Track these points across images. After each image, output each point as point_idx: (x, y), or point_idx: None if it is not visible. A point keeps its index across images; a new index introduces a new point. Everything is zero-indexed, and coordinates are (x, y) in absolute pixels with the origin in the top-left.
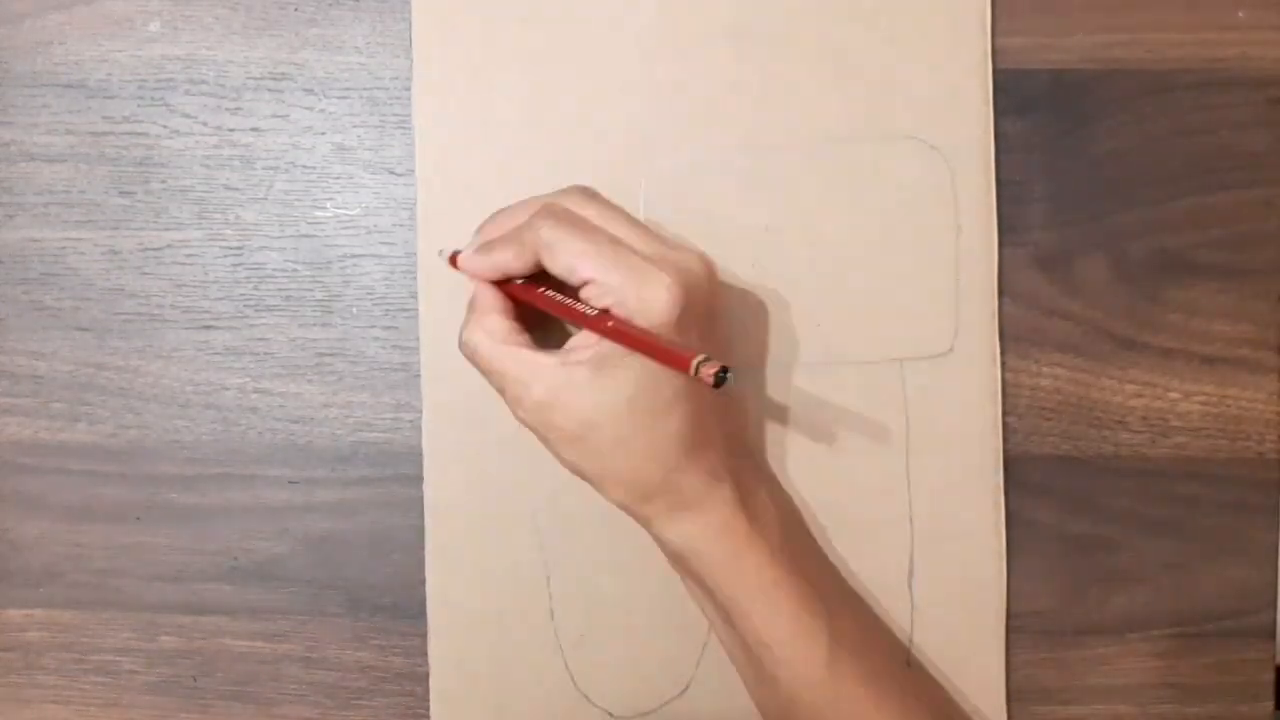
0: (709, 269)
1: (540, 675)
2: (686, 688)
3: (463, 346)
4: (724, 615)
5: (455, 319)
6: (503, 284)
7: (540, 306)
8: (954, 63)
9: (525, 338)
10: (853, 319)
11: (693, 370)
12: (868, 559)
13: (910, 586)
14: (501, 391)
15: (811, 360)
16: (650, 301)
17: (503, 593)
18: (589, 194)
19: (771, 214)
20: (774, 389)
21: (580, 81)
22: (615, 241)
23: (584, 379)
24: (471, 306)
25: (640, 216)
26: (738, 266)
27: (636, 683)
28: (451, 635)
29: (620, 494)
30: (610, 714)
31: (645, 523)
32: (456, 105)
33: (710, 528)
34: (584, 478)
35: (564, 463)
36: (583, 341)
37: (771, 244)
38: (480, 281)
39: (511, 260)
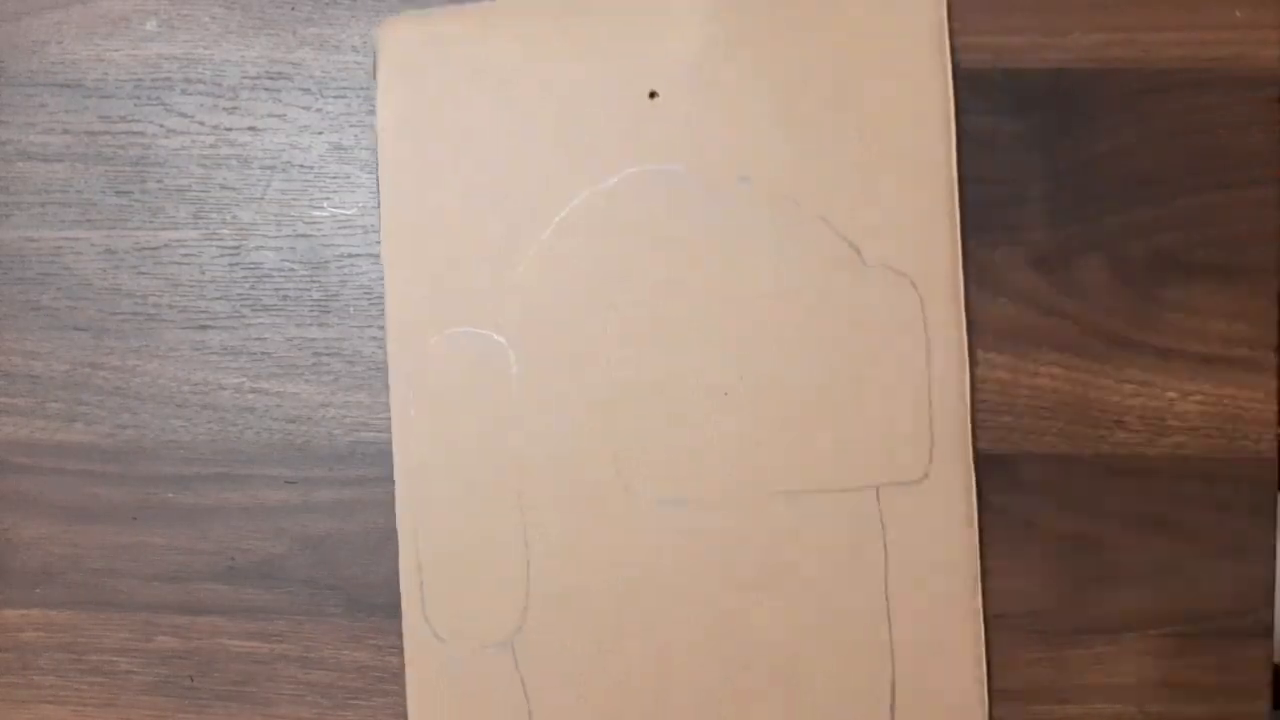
0: None
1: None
2: None
3: None
4: None
5: (433, 458)
6: None
7: None
8: (920, 192)
9: None
10: (827, 446)
11: None
12: (848, 689)
13: (893, 717)
14: None
15: (786, 488)
16: None
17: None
18: None
19: (743, 343)
20: (749, 517)
21: (550, 214)
22: None
23: None
24: None
25: (611, 347)
26: (710, 395)
27: None
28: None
29: None
30: None
31: None
32: (426, 237)
33: None
34: None
35: None
36: None
37: (743, 373)
38: None
39: None
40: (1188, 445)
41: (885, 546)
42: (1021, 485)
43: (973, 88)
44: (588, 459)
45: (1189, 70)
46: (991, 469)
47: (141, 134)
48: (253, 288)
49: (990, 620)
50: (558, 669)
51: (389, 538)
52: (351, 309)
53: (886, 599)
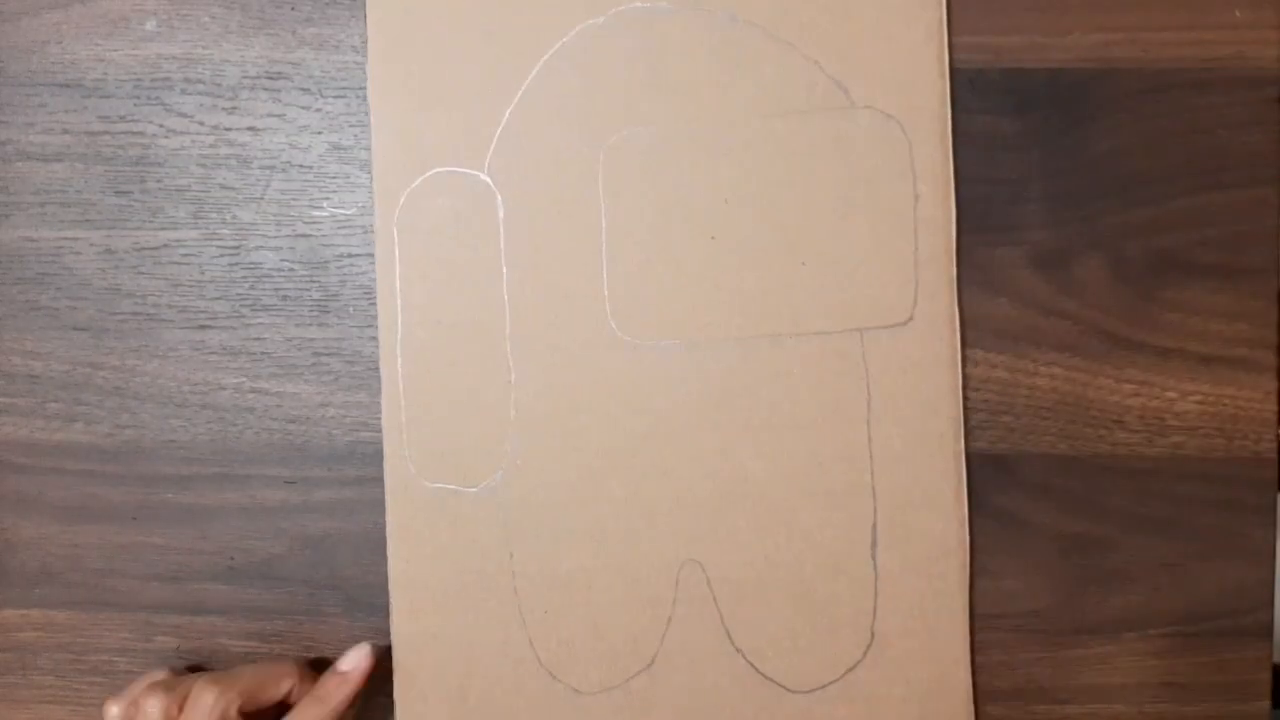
0: None
1: (505, 652)
2: (651, 662)
3: None
4: None
5: (417, 299)
6: None
7: None
8: (910, 33)
9: None
10: (812, 289)
11: None
12: (831, 530)
13: (874, 557)
14: None
15: (772, 331)
16: None
17: (465, 570)
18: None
19: (731, 186)
20: (735, 360)
21: (537, 53)
22: None
23: None
24: None
25: (599, 189)
26: (697, 239)
27: (601, 658)
28: (414, 614)
29: None
30: (575, 689)
31: None
32: (413, 77)
33: None
34: None
35: None
36: None
37: (731, 216)
38: None
39: None
40: (1187, 445)
41: (869, 389)
42: (1020, 485)
43: (972, 87)
44: (575, 302)
45: (1189, 70)
46: (990, 469)
47: (141, 134)
48: (252, 288)
49: (989, 620)
50: (540, 510)
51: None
52: (351, 309)
53: (869, 441)
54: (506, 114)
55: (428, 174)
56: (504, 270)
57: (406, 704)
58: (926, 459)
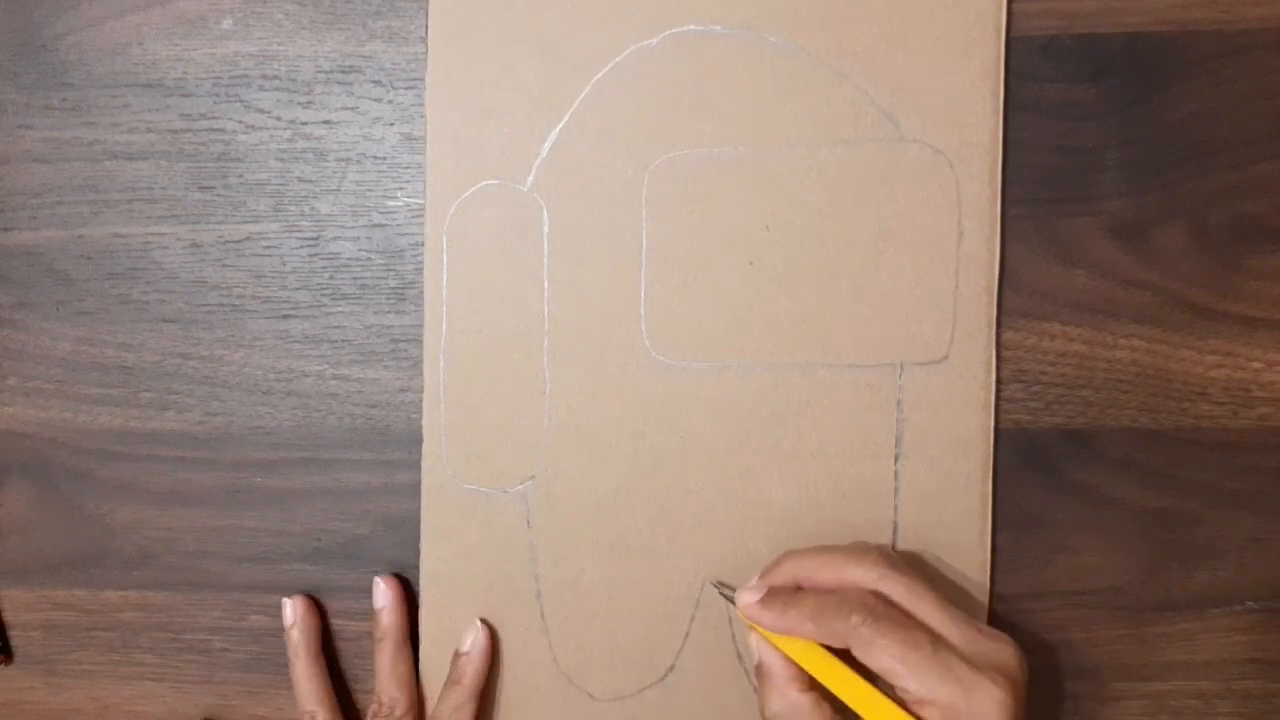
0: (1023, 660)
1: (525, 653)
2: (666, 675)
3: None
4: None
5: (461, 306)
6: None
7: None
8: (966, 67)
9: (828, 708)
10: (849, 321)
11: None
12: None
13: None
14: None
15: (805, 360)
16: (982, 715)
17: (492, 570)
18: (893, 563)
19: (773, 213)
20: (766, 386)
21: (590, 72)
22: (937, 642)
23: None
24: (764, 675)
25: (642, 209)
26: (736, 263)
27: (617, 667)
28: (443, 609)
29: None
30: (590, 695)
31: None
32: (469, 91)
33: None
34: None
35: None
36: None
37: (771, 242)
38: (765, 640)
39: (811, 630)
40: (1273, 417)
41: (899, 425)
42: (1100, 460)
43: (1045, 55)
44: (612, 318)
45: (1270, 30)
46: (1069, 444)
47: (221, 130)
48: (332, 277)
49: (1070, 597)
50: (566, 518)
51: None
52: None
53: (895, 478)
54: (557, 130)
55: (478, 185)
56: (545, 284)
57: (431, 695)
58: (952, 500)
